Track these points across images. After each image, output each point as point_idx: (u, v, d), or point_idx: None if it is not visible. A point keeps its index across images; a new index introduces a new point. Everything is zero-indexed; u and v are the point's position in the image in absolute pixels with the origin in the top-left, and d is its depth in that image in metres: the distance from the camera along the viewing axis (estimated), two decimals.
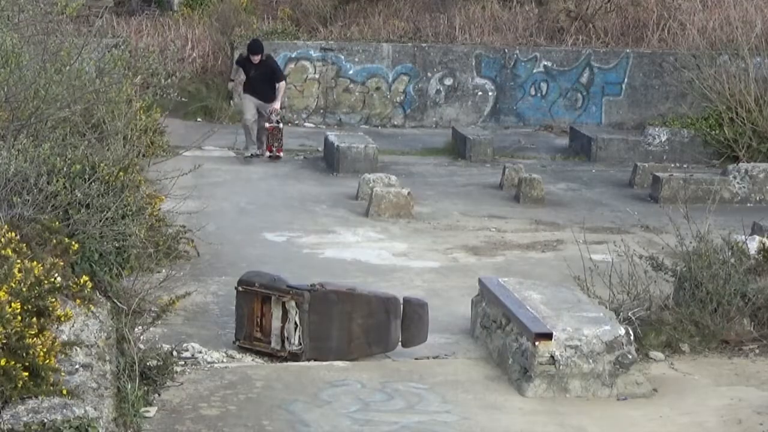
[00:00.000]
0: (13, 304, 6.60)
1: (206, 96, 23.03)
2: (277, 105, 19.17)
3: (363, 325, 9.36)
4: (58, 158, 9.63)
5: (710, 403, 8.65)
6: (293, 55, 23.49)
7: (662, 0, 25.38)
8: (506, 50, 23.93)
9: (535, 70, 23.88)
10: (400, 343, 9.49)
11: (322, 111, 23.61)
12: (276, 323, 9.43)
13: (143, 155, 11.91)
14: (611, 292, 10.09)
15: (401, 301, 9.52)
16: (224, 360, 9.31)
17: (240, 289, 9.66)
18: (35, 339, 6.61)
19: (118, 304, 9.11)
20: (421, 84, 23.78)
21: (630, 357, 8.82)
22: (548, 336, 8.68)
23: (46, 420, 6.24)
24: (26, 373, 6.47)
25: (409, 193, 15.38)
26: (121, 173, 10.15)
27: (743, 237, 10.85)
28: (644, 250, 10.50)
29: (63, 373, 6.87)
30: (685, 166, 19.43)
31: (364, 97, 23.70)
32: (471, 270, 12.38)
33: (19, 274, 7.00)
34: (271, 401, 8.34)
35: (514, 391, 8.72)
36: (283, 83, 19.36)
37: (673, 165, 19.37)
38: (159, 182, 12.61)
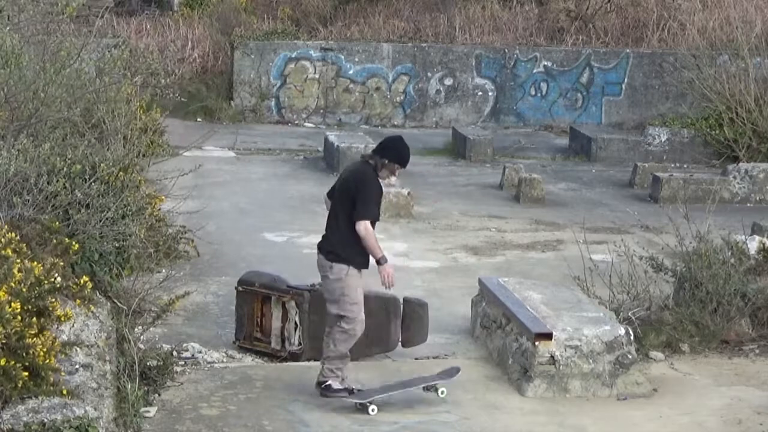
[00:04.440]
0: (13, 304, 6.60)
1: (206, 96, 23.03)
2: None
3: None
4: (58, 158, 9.64)
5: (710, 403, 8.65)
6: (293, 55, 23.48)
7: (662, 0, 25.37)
8: (506, 50, 23.92)
9: (535, 70, 23.88)
10: (400, 343, 9.49)
11: (322, 111, 23.60)
12: (276, 323, 9.42)
13: (143, 155, 11.91)
14: (611, 292, 10.09)
15: (401, 301, 9.51)
16: (224, 360, 9.32)
17: (240, 289, 9.65)
18: (35, 339, 6.61)
19: (118, 304, 9.11)
20: (421, 84, 23.77)
21: (630, 357, 8.82)
22: (548, 336, 8.68)
23: (46, 420, 6.24)
24: (26, 373, 6.47)
25: (409, 193, 15.38)
26: (121, 173, 10.16)
27: (743, 237, 10.85)
28: (644, 250, 10.49)
29: (63, 373, 6.87)
30: (685, 166, 19.43)
31: (364, 97, 23.69)
32: (471, 270, 12.37)
33: (19, 274, 7.00)
34: (271, 401, 8.34)
35: (514, 391, 8.72)
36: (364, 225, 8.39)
37: (673, 165, 19.36)
38: (159, 182, 12.60)
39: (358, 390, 8.34)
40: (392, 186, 15.26)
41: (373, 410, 8.18)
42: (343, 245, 8.31)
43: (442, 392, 8.43)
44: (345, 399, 8.22)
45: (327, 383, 8.34)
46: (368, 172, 8.43)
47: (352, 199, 8.30)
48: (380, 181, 8.51)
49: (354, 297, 8.31)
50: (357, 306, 8.32)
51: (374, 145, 9.24)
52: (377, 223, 8.50)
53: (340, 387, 8.33)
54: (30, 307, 6.90)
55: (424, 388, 8.48)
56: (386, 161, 8.45)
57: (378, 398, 8.22)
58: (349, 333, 8.34)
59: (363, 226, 8.24)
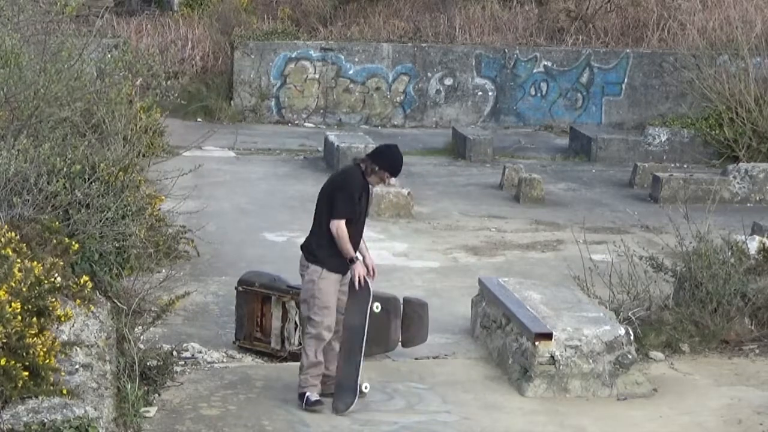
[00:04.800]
0: (13, 304, 6.60)
1: (206, 96, 23.02)
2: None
3: None
4: (58, 158, 9.64)
5: (710, 403, 8.65)
6: (293, 55, 23.48)
7: (662, 0, 25.37)
8: (506, 50, 23.92)
9: (535, 70, 23.88)
10: (400, 343, 9.48)
11: (322, 111, 23.60)
12: (276, 323, 9.43)
13: (143, 155, 11.91)
14: (611, 292, 10.09)
15: (401, 301, 9.51)
16: (224, 360, 9.32)
17: (240, 289, 9.66)
18: (35, 339, 6.61)
19: (118, 304, 9.11)
20: (421, 84, 23.77)
21: (630, 357, 8.82)
22: (548, 336, 8.68)
23: (46, 420, 6.24)
24: (26, 373, 6.47)
25: (409, 193, 15.38)
26: (121, 173, 10.16)
27: (743, 237, 10.85)
28: (644, 250, 10.49)
29: (63, 373, 6.88)
30: (685, 166, 19.42)
31: (364, 97, 23.69)
32: (471, 270, 12.37)
33: (19, 274, 7.00)
34: (271, 401, 8.34)
35: (514, 391, 8.72)
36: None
37: (673, 165, 19.36)
38: (159, 182, 12.60)
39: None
40: (392, 186, 15.26)
41: (366, 387, 8.29)
42: (319, 246, 8.21)
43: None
44: (327, 413, 8.15)
45: (304, 394, 8.22)
46: (353, 174, 8.34)
47: (332, 199, 8.24)
48: (370, 185, 8.40)
49: (324, 301, 8.13)
50: (326, 310, 8.15)
51: (373, 146, 9.20)
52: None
53: (317, 398, 8.20)
54: (30, 307, 6.90)
55: (371, 313, 8.26)
56: (377, 167, 8.32)
57: (360, 379, 8.22)
58: (316, 337, 8.17)
59: (335, 225, 8.14)
